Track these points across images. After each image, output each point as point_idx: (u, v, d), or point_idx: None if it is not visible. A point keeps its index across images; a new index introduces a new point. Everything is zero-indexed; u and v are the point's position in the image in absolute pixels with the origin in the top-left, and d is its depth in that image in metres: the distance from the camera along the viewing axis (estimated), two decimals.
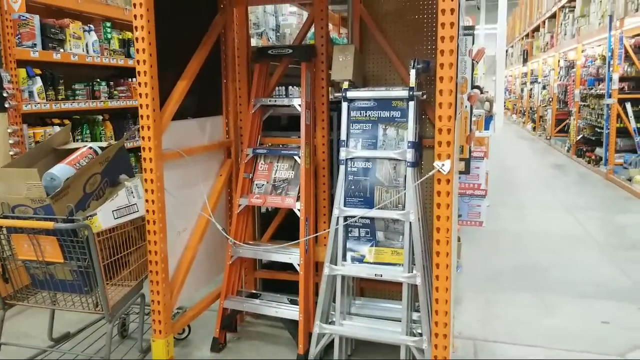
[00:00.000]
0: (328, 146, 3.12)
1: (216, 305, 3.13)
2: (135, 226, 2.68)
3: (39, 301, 2.58)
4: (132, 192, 2.64)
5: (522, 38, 20.84)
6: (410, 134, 2.58)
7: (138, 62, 2.41)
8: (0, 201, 2.38)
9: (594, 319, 3.50)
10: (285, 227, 3.28)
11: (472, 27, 3.48)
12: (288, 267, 3.06)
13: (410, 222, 2.54)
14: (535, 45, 17.83)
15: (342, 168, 2.67)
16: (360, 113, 2.69)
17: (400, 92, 2.62)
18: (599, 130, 9.70)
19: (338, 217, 2.66)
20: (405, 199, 2.57)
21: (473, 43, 3.39)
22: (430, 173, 2.22)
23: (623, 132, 8.65)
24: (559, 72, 13.88)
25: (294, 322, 2.89)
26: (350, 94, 2.69)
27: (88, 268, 2.36)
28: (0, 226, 2.41)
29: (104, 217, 2.45)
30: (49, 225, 2.24)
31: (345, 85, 2.72)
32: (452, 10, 2.08)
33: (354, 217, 2.63)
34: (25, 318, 3.51)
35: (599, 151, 9.48)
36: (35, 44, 3.84)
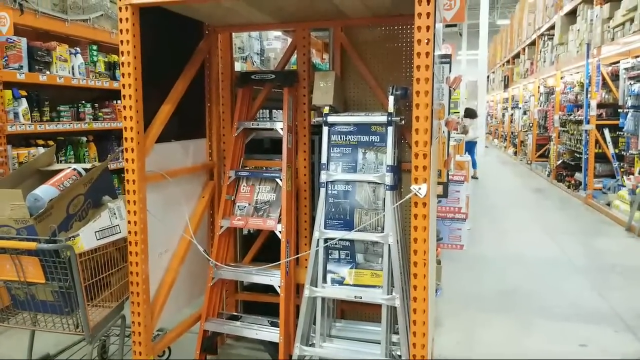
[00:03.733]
0: (310, 169, 3.18)
1: (197, 327, 3.13)
2: (117, 247, 2.69)
3: (20, 322, 2.57)
4: (114, 214, 2.66)
5: (503, 64, 21.31)
6: (389, 158, 2.65)
7: (123, 85, 2.47)
8: None
9: (572, 341, 3.56)
10: (267, 249, 3.32)
11: (449, 56, 3.60)
12: (269, 289, 3.09)
13: (389, 245, 2.59)
14: (516, 71, 18.24)
15: (322, 191, 2.73)
16: (341, 137, 2.76)
17: (379, 118, 2.69)
18: (578, 156, 9.91)
19: (318, 239, 2.71)
20: (384, 222, 2.62)
21: (450, 70, 3.51)
22: (408, 196, 2.29)
23: (602, 158, 8.85)
24: (539, 98, 14.20)
25: (275, 345, 2.91)
26: (331, 119, 2.76)
27: (69, 289, 2.37)
28: None
29: (86, 238, 2.47)
30: (32, 245, 2.26)
31: (326, 110, 2.80)
32: (428, 41, 2.17)
33: (334, 239, 2.68)
34: (4, 339, 3.47)
35: (579, 176, 9.67)
36: (22, 66, 3.88)
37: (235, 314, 3.34)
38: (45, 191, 2.48)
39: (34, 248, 2.25)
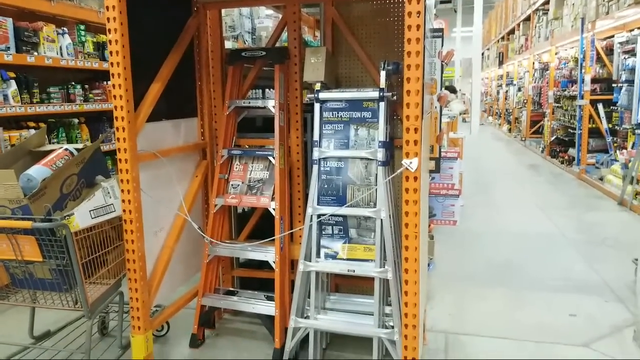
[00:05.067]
0: (302, 147, 3.20)
1: (194, 303, 3.18)
2: (113, 226, 2.72)
3: (19, 299, 2.61)
4: (108, 193, 2.68)
5: (498, 40, 21.20)
6: (381, 134, 2.66)
7: (112, 64, 2.46)
8: None
9: (563, 311, 3.63)
10: (261, 227, 3.35)
11: (441, 30, 3.59)
12: (264, 265, 3.13)
13: (381, 219, 2.63)
14: (511, 47, 18.16)
15: (315, 168, 2.75)
16: (333, 114, 2.77)
17: (371, 94, 2.70)
18: (572, 131, 9.95)
19: (312, 215, 2.74)
20: (376, 197, 2.65)
21: (442, 45, 3.50)
22: (399, 171, 2.31)
23: (595, 133, 8.88)
24: (534, 74, 14.17)
25: (271, 318, 2.96)
26: (322, 95, 2.77)
27: (67, 266, 2.40)
28: None
29: (81, 217, 2.49)
30: (27, 224, 2.28)
31: (318, 86, 2.80)
32: (419, 13, 2.17)
33: (326, 214, 2.71)
34: (4, 318, 3.51)
35: (572, 151, 9.72)
36: (8, 47, 3.84)
37: (232, 289, 3.38)
38: (38, 171, 2.50)
39: (30, 227, 2.27)
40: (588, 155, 8.92)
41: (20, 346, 2.80)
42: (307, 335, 2.81)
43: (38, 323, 2.96)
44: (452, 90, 11.83)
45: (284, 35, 3.34)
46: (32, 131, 4.04)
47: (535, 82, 13.98)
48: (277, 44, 3.49)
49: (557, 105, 11.20)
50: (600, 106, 8.48)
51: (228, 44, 5.63)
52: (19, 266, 2.48)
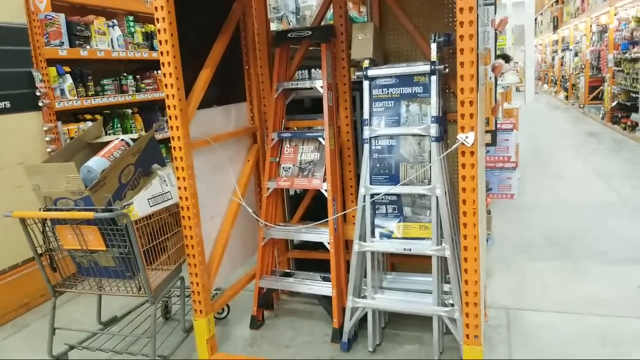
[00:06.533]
0: (352, 126, 3.15)
1: (252, 285, 3.23)
2: (171, 213, 2.78)
3: (86, 288, 2.72)
4: (165, 181, 2.73)
5: (552, 5, 20.19)
6: (433, 108, 2.58)
7: (162, 53, 2.48)
8: (43, 195, 2.51)
9: (630, 284, 3.46)
10: (314, 208, 3.35)
11: None
12: (319, 246, 3.13)
13: (437, 197, 2.56)
14: (566, 11, 17.26)
15: (366, 147, 2.71)
16: (382, 91, 2.71)
17: (422, 67, 2.62)
18: (634, 96, 9.40)
19: (364, 195, 2.71)
20: (430, 174, 2.59)
21: (495, 13, 3.35)
22: (454, 146, 2.23)
23: None
24: (591, 38, 13.44)
25: (328, 298, 2.97)
26: (371, 72, 2.70)
27: (129, 254, 2.48)
28: (46, 219, 2.55)
29: (140, 206, 2.55)
30: (90, 215, 2.36)
31: (366, 63, 2.74)
32: None
33: (379, 194, 2.67)
34: (74, 306, 3.69)
35: (635, 117, 9.19)
36: (62, 42, 3.95)
37: (288, 271, 3.41)
38: (97, 163, 2.57)
39: (92, 217, 2.35)
40: None
41: (89, 332, 2.93)
42: (365, 314, 2.80)
43: (105, 309, 3.09)
44: (506, 58, 11.38)
45: (329, 13, 3.28)
46: (89, 123, 4.18)
47: (593, 45, 13.26)
48: (323, 23, 3.43)
49: (617, 69, 10.60)
50: None
51: (273, 26, 5.60)
52: (84, 255, 2.57)
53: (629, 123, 9.56)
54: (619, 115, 10.24)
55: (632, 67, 9.52)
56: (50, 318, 2.71)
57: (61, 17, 3.95)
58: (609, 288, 3.42)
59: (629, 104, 9.86)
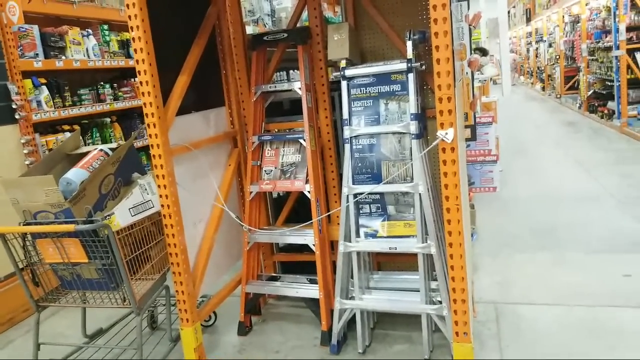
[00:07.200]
0: (332, 126, 3.15)
1: (239, 291, 3.21)
2: (153, 221, 2.75)
3: (70, 301, 2.68)
4: (146, 189, 2.70)
5: None
6: (412, 106, 2.59)
7: (137, 61, 2.46)
8: (22, 209, 2.47)
9: (615, 273, 3.50)
10: (298, 210, 3.34)
11: None
12: (304, 248, 3.12)
13: (420, 194, 2.57)
14: (538, 3, 17.46)
15: (347, 146, 2.71)
16: (361, 90, 2.71)
17: (399, 65, 2.62)
18: (609, 84, 9.55)
19: (348, 195, 2.71)
20: (412, 172, 2.60)
21: (468, 8, 3.37)
22: (435, 143, 2.25)
23: (635, 83, 8.52)
24: (564, 28, 13.65)
25: (315, 301, 2.96)
26: (349, 72, 2.71)
27: (112, 265, 2.45)
28: (26, 233, 2.51)
29: (121, 216, 2.52)
30: (70, 227, 2.32)
31: (343, 63, 2.74)
32: None
33: (363, 193, 2.67)
34: (58, 319, 3.63)
35: (612, 105, 9.34)
36: (37, 54, 3.89)
37: (274, 274, 3.40)
38: (76, 174, 2.53)
39: (73, 230, 2.31)
40: (629, 107, 8.57)
41: (75, 346, 2.89)
42: (354, 316, 2.80)
43: (90, 321, 3.05)
44: (483, 52, 11.47)
45: (304, 14, 3.28)
46: (67, 134, 4.12)
47: (566, 36, 13.46)
48: (298, 24, 3.42)
49: (591, 58, 10.76)
50: (638, 55, 8.11)
51: (249, 29, 5.58)
52: (67, 268, 2.54)
53: (605, 111, 9.71)
54: (596, 104, 10.40)
55: (605, 56, 9.67)
56: (35, 334, 2.67)
57: (35, 29, 3.89)
58: (595, 278, 3.46)
59: (605, 92, 10.02)
